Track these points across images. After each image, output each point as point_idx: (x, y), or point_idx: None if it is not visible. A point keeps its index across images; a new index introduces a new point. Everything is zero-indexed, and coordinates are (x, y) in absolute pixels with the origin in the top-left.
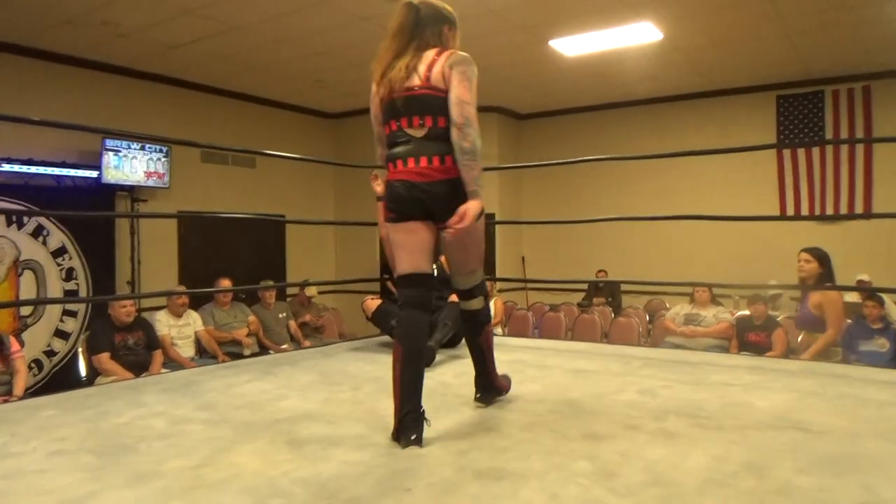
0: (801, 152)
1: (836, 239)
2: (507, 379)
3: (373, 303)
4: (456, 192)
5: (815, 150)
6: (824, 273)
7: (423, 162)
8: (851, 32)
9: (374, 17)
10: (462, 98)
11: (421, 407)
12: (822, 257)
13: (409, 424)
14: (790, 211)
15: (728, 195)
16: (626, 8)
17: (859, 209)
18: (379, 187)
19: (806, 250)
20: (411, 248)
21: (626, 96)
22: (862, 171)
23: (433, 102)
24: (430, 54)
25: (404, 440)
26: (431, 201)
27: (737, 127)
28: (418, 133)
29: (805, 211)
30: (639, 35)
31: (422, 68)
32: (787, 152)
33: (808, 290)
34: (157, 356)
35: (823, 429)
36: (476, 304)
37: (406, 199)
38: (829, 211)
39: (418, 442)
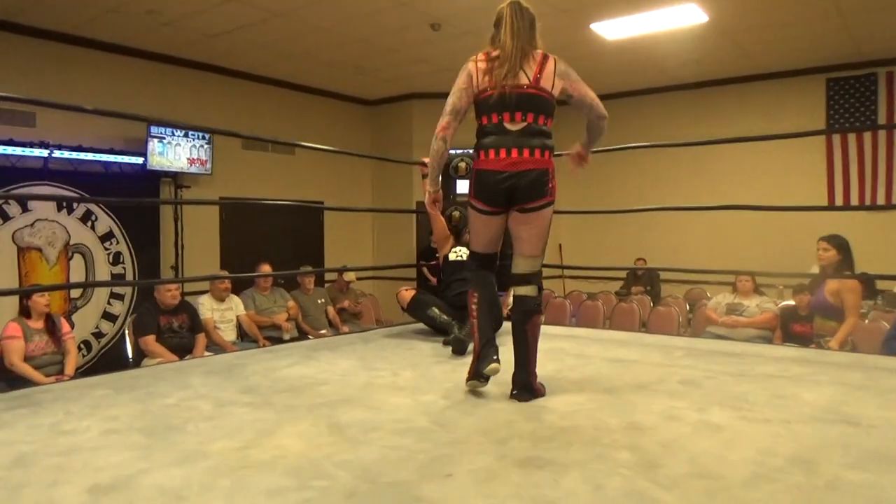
0: (851, 138)
1: (887, 228)
2: (543, 386)
3: (407, 294)
4: (541, 181)
5: (867, 136)
6: (843, 260)
7: (515, 154)
8: None
9: (411, 3)
10: (591, 95)
11: (494, 337)
12: (841, 245)
13: (488, 351)
14: (839, 199)
15: (773, 182)
16: None
17: None
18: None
19: (824, 238)
20: (488, 235)
21: (669, 81)
22: None
23: (538, 102)
24: (536, 56)
25: (486, 362)
26: (519, 188)
27: (784, 112)
28: (515, 127)
29: (854, 199)
30: (683, 17)
31: (530, 71)
32: (836, 138)
33: (829, 277)
34: (201, 339)
35: (873, 423)
36: (530, 290)
37: (494, 192)
38: (881, 200)
39: (497, 362)
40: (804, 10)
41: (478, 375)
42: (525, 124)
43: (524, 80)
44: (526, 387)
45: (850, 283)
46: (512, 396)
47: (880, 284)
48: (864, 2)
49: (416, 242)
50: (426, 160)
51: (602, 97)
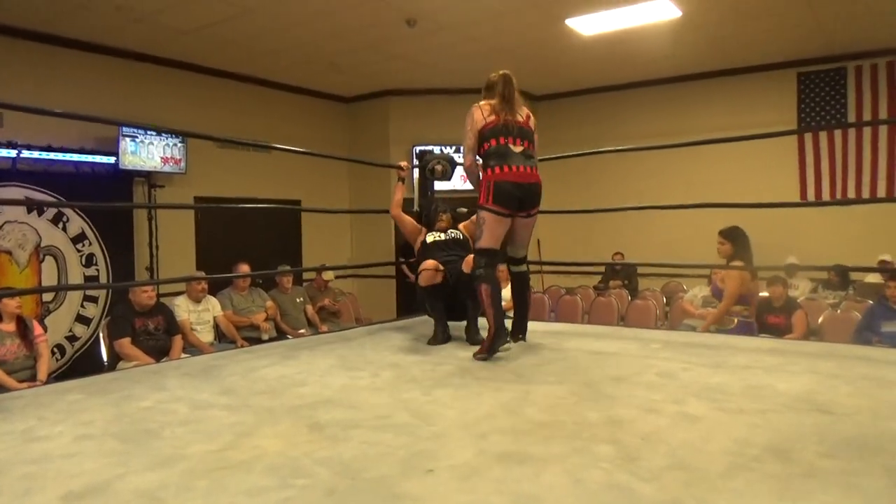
0: (822, 134)
1: (859, 221)
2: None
3: (430, 273)
4: (541, 191)
5: (838, 132)
6: (737, 252)
7: (523, 169)
8: (877, 4)
9: None
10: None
11: (504, 328)
12: (735, 237)
13: (501, 333)
14: (811, 193)
15: (747, 176)
16: None
17: (882, 191)
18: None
19: (721, 232)
20: (498, 234)
21: (644, 76)
22: (885, 152)
23: (530, 134)
24: (524, 108)
25: (500, 342)
26: (531, 196)
27: (757, 105)
28: (518, 149)
29: (826, 193)
30: (657, 12)
31: (522, 114)
32: (808, 134)
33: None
34: (178, 341)
35: (846, 411)
36: (525, 267)
37: (513, 198)
38: (851, 194)
39: (509, 342)
40: (775, 2)
41: (492, 351)
42: (523, 148)
43: (520, 118)
44: (526, 330)
45: (731, 272)
46: (519, 339)
47: (853, 275)
48: None
49: (395, 240)
50: (403, 164)
51: (579, 92)
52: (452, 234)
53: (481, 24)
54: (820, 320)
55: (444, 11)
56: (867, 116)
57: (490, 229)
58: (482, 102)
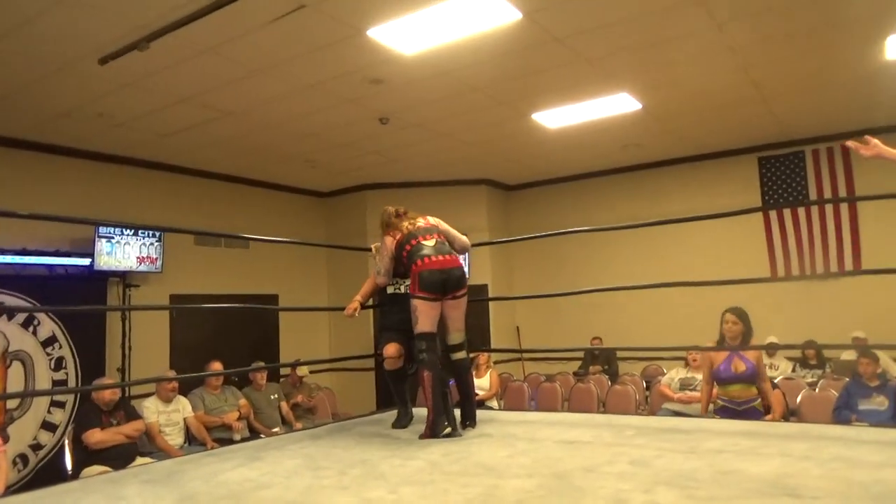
0: (787, 212)
1: (829, 296)
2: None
3: (395, 355)
4: (465, 275)
5: (801, 210)
6: (748, 330)
7: (441, 257)
8: (826, 95)
9: (360, 100)
10: (454, 233)
11: (442, 413)
12: (746, 316)
13: (439, 418)
14: (780, 271)
15: (718, 257)
16: (603, 80)
17: (849, 265)
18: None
19: (733, 311)
20: (432, 316)
21: (611, 164)
22: (848, 228)
23: (435, 229)
24: (419, 216)
25: (440, 427)
26: (453, 279)
27: (721, 189)
28: (430, 243)
29: (795, 270)
30: (618, 105)
31: (423, 219)
32: (773, 213)
33: (736, 349)
34: (139, 423)
35: (816, 494)
36: (464, 354)
37: (437, 282)
38: (820, 269)
39: (449, 427)
40: (730, 96)
41: (433, 436)
42: (435, 241)
43: (421, 223)
44: (474, 416)
45: (759, 353)
46: (467, 427)
47: (830, 353)
48: (783, 88)
49: (374, 333)
50: (375, 246)
51: (547, 182)
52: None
53: (451, 120)
54: (798, 400)
55: (415, 109)
56: (827, 196)
57: (424, 314)
58: (390, 232)
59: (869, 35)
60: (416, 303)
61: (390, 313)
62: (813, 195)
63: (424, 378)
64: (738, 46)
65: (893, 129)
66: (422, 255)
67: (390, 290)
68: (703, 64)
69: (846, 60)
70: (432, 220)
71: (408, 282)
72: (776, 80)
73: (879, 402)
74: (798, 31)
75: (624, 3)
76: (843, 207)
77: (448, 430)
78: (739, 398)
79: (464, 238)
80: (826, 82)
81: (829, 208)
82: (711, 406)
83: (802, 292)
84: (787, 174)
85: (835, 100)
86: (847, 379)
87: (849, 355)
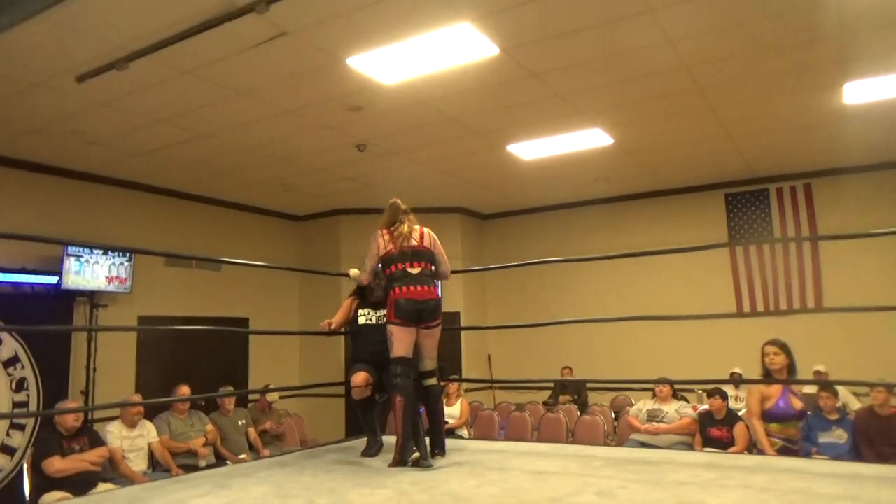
0: (752, 249)
1: (792, 331)
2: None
3: (362, 384)
4: (439, 307)
5: (766, 247)
6: (791, 362)
7: (421, 288)
8: (789, 135)
9: (336, 126)
10: (443, 257)
11: (411, 439)
12: (788, 347)
13: (407, 445)
14: (746, 305)
15: (686, 290)
16: (577, 116)
17: (811, 302)
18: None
19: (774, 342)
20: (407, 342)
21: (583, 196)
22: (810, 265)
23: (427, 255)
24: (418, 229)
25: (408, 454)
26: (429, 311)
27: (689, 223)
28: (414, 271)
29: (760, 304)
30: (590, 140)
31: (417, 237)
32: (739, 249)
33: (777, 382)
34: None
35: None
36: (435, 381)
37: (412, 312)
38: (783, 305)
39: (417, 452)
40: (697, 134)
41: (402, 462)
42: (420, 269)
43: (415, 243)
44: (443, 445)
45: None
46: (435, 455)
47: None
48: (749, 127)
49: (344, 358)
50: (353, 272)
51: (521, 212)
52: (383, 318)
53: (427, 148)
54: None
55: (392, 137)
56: (790, 233)
57: (399, 339)
58: (384, 230)
59: (828, 81)
60: (391, 328)
61: (363, 343)
62: (777, 232)
63: (396, 403)
64: (705, 87)
65: (851, 169)
66: (403, 282)
67: (362, 320)
68: (673, 103)
69: (808, 104)
70: (427, 237)
71: (381, 312)
72: (742, 120)
73: (839, 436)
74: (763, 75)
75: (597, 42)
76: (806, 245)
77: (416, 455)
78: (796, 436)
79: (447, 266)
80: (788, 123)
81: (792, 246)
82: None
83: (766, 327)
84: (753, 210)
85: (796, 140)
86: (809, 412)
87: (810, 389)
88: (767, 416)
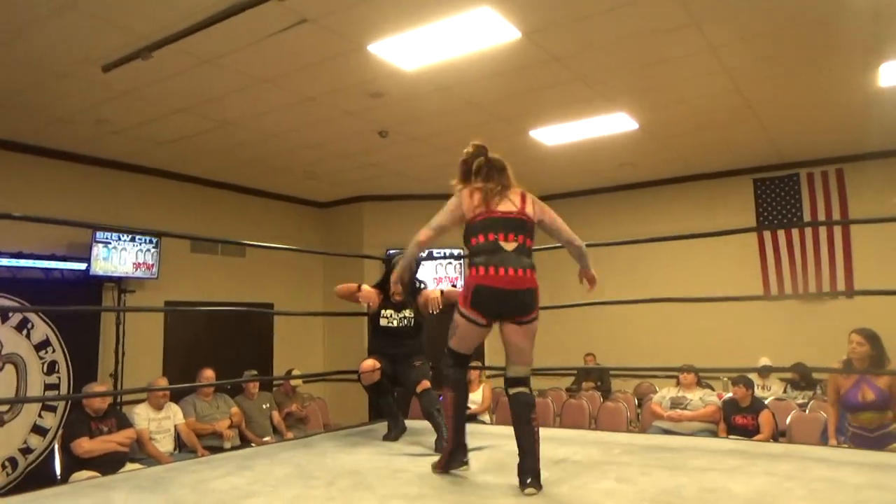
0: (781, 234)
1: (819, 318)
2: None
3: (371, 369)
4: (535, 297)
5: (795, 232)
6: (878, 353)
7: (512, 272)
8: (820, 119)
9: (358, 113)
10: (562, 226)
11: (465, 440)
12: (875, 337)
13: (458, 451)
14: (774, 290)
15: (711, 277)
16: (601, 100)
17: (841, 287)
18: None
19: (860, 332)
20: (469, 341)
21: (607, 182)
22: (841, 250)
23: (523, 224)
24: (517, 190)
25: (457, 463)
26: (519, 305)
27: (716, 209)
28: (510, 247)
29: (788, 290)
30: (615, 125)
31: (516, 200)
32: (767, 234)
33: (854, 372)
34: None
35: None
36: (524, 388)
37: (492, 307)
38: (812, 290)
39: (466, 464)
40: (726, 118)
41: (447, 468)
42: (516, 244)
43: (512, 206)
44: (537, 474)
45: (891, 379)
46: (528, 485)
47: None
48: (779, 113)
49: (369, 344)
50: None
51: (544, 198)
52: (405, 320)
53: (449, 134)
54: (788, 421)
55: (414, 123)
56: (821, 218)
57: (461, 336)
58: (472, 188)
59: (863, 62)
60: (457, 319)
61: (382, 344)
62: (807, 217)
63: (447, 399)
64: (733, 69)
65: (885, 153)
66: (493, 261)
67: (383, 322)
68: (700, 86)
69: (840, 86)
70: (531, 202)
71: (402, 315)
72: (771, 103)
73: None
74: (792, 55)
75: (621, 25)
76: (837, 230)
77: (466, 466)
78: (871, 425)
79: (571, 232)
80: (820, 106)
81: (822, 231)
82: (841, 437)
83: (793, 313)
84: (782, 196)
85: (829, 124)
86: None
87: None
88: (842, 404)
